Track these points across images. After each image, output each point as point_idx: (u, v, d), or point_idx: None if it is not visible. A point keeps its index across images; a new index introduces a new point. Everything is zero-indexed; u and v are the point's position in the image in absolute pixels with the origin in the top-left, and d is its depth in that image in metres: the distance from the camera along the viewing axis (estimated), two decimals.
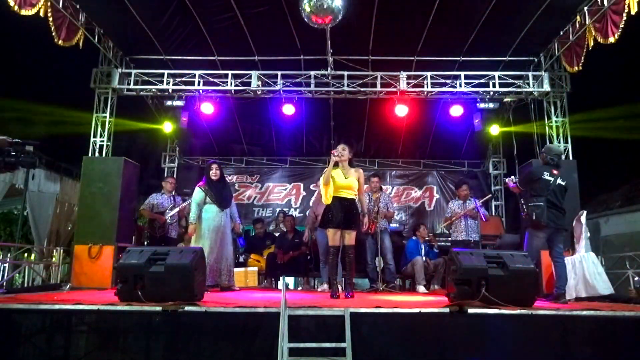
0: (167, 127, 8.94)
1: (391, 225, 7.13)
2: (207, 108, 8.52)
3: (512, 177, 5.37)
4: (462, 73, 7.95)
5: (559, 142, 7.61)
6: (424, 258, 6.83)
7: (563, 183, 4.97)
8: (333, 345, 3.22)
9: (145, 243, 7.10)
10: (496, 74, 7.90)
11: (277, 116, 8.99)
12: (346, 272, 5.04)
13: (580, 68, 6.74)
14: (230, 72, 7.97)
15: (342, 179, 4.88)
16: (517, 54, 7.79)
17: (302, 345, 3.18)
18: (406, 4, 6.75)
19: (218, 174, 5.70)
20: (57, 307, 3.50)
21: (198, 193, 5.60)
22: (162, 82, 8.00)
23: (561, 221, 4.93)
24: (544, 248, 5.09)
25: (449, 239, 7.35)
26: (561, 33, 7.13)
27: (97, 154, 7.59)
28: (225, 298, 4.52)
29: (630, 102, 7.31)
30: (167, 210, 6.79)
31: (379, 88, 8.00)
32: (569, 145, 7.53)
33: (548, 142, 7.66)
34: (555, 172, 4.96)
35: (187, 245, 6.99)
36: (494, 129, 9.22)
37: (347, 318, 3.30)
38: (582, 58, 6.59)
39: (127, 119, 8.23)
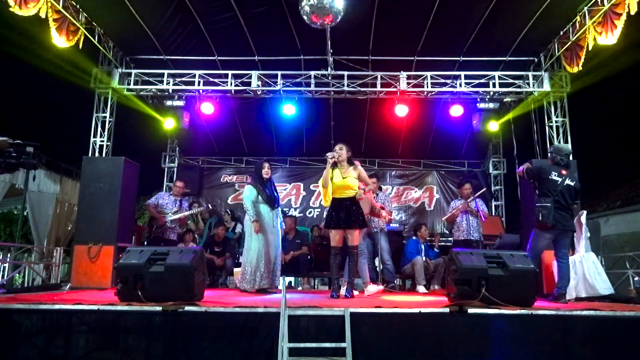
0: (169, 123, 8.82)
1: (391, 225, 7.13)
2: (207, 108, 8.53)
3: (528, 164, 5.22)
4: (462, 73, 7.95)
5: (559, 142, 7.61)
6: (424, 258, 6.83)
7: (572, 183, 4.86)
8: (333, 345, 3.22)
9: (145, 243, 7.11)
10: (496, 74, 7.90)
11: (277, 116, 8.99)
12: (349, 272, 5.04)
13: (580, 68, 6.74)
14: (230, 72, 7.97)
15: (339, 180, 4.88)
16: (517, 54, 7.79)
17: (302, 345, 3.18)
18: (406, 4, 6.75)
19: (269, 173, 5.63)
20: (57, 307, 3.50)
21: (250, 190, 5.49)
22: (162, 82, 8.01)
23: (568, 223, 4.83)
24: (549, 248, 5.04)
25: (450, 238, 7.37)
26: (561, 33, 7.13)
27: (97, 154, 7.60)
28: (225, 298, 4.53)
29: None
30: (170, 214, 6.81)
31: (379, 88, 8.00)
32: (569, 146, 7.53)
33: (548, 143, 7.66)
34: (564, 172, 4.85)
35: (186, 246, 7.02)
36: (494, 127, 9.19)
37: (347, 318, 3.30)
38: (582, 58, 6.60)
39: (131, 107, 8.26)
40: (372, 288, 5.24)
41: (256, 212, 5.43)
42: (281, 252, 7.00)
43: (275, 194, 5.70)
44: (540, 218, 4.73)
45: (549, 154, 5.18)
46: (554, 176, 4.81)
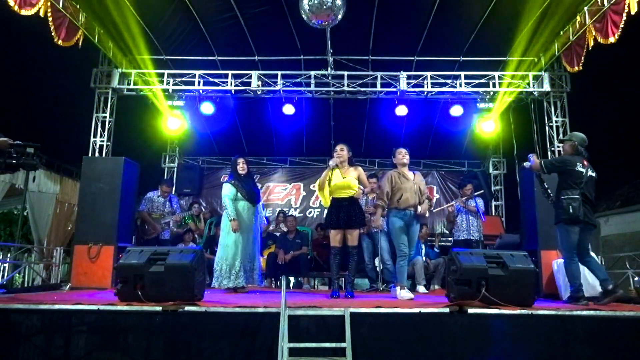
0: (173, 124, 8.66)
1: None
2: (207, 108, 8.53)
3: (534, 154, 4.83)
4: (462, 73, 7.95)
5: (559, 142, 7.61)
6: (424, 258, 6.83)
7: (594, 174, 4.57)
8: (333, 345, 3.23)
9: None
10: (496, 74, 7.90)
11: (277, 116, 8.99)
12: (348, 272, 5.04)
13: (580, 68, 6.74)
14: (230, 72, 7.97)
15: (339, 180, 4.88)
16: (517, 54, 7.79)
17: (302, 345, 3.18)
18: (406, 4, 6.75)
19: (245, 168, 5.55)
20: (57, 307, 3.50)
21: (229, 189, 5.44)
22: (162, 82, 8.01)
23: (593, 217, 4.55)
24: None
25: (450, 238, 7.38)
26: (561, 33, 7.13)
27: (97, 154, 7.60)
28: (225, 298, 4.53)
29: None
30: (166, 215, 6.83)
31: (379, 88, 8.00)
32: None
33: (548, 143, 7.66)
34: (585, 163, 4.56)
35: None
36: (494, 127, 9.16)
37: (347, 318, 3.30)
38: (582, 58, 6.60)
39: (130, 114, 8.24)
40: (405, 294, 4.77)
41: (235, 210, 5.38)
42: (282, 251, 7.07)
43: (255, 189, 5.65)
44: (571, 211, 4.39)
45: (567, 143, 4.77)
46: (579, 167, 4.49)
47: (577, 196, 4.43)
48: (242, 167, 5.52)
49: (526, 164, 4.83)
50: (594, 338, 3.46)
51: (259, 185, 10.62)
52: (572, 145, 4.71)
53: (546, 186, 4.80)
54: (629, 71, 7.02)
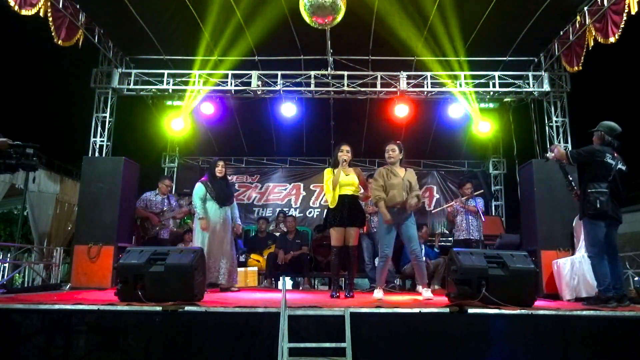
0: (177, 124, 8.51)
1: None
2: (207, 108, 8.52)
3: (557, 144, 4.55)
4: (462, 73, 7.95)
5: (559, 142, 7.61)
6: (424, 258, 6.82)
7: (624, 168, 4.30)
8: (333, 345, 3.22)
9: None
10: (496, 74, 7.91)
11: (277, 116, 8.99)
12: (347, 272, 5.04)
13: (580, 68, 6.74)
14: (230, 72, 7.97)
15: (343, 177, 4.92)
16: (517, 54, 7.79)
17: (302, 345, 3.18)
18: (406, 4, 6.75)
19: (223, 172, 5.74)
20: (57, 307, 3.50)
21: (199, 188, 5.63)
22: (162, 82, 8.01)
23: (619, 213, 4.31)
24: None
25: (450, 238, 7.37)
26: (561, 33, 7.13)
27: (97, 154, 7.60)
28: (225, 298, 4.53)
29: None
30: (167, 212, 6.81)
31: (379, 88, 8.00)
32: (569, 145, 7.54)
33: (548, 143, 7.66)
34: (615, 155, 4.29)
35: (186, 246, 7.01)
36: (494, 127, 9.15)
37: (347, 318, 3.30)
38: (582, 58, 6.60)
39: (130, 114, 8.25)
40: (376, 294, 4.81)
41: (204, 210, 5.52)
42: (281, 251, 7.07)
43: (227, 192, 5.79)
44: (598, 205, 4.13)
45: (597, 133, 4.44)
46: (608, 159, 4.21)
47: (605, 190, 4.17)
48: (220, 169, 5.71)
49: (549, 155, 4.55)
50: (594, 338, 3.46)
51: (259, 186, 10.64)
52: (600, 135, 4.40)
53: (570, 178, 4.54)
54: (629, 71, 7.02)
